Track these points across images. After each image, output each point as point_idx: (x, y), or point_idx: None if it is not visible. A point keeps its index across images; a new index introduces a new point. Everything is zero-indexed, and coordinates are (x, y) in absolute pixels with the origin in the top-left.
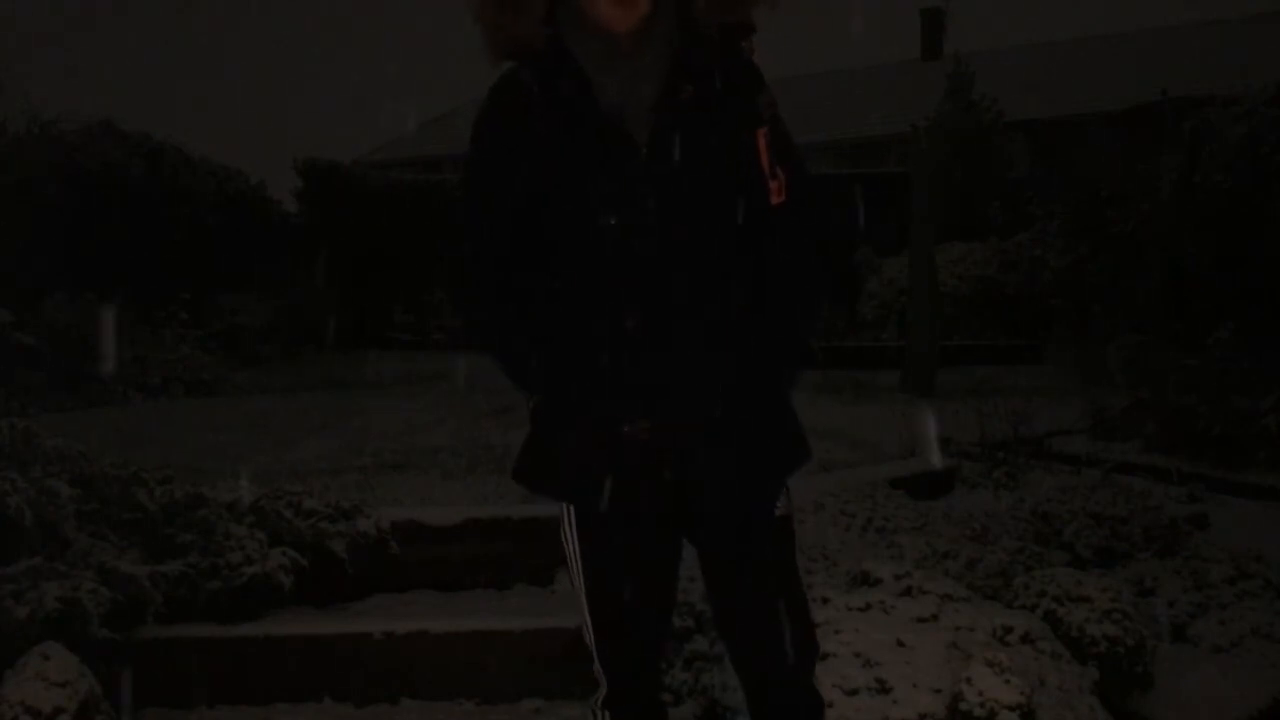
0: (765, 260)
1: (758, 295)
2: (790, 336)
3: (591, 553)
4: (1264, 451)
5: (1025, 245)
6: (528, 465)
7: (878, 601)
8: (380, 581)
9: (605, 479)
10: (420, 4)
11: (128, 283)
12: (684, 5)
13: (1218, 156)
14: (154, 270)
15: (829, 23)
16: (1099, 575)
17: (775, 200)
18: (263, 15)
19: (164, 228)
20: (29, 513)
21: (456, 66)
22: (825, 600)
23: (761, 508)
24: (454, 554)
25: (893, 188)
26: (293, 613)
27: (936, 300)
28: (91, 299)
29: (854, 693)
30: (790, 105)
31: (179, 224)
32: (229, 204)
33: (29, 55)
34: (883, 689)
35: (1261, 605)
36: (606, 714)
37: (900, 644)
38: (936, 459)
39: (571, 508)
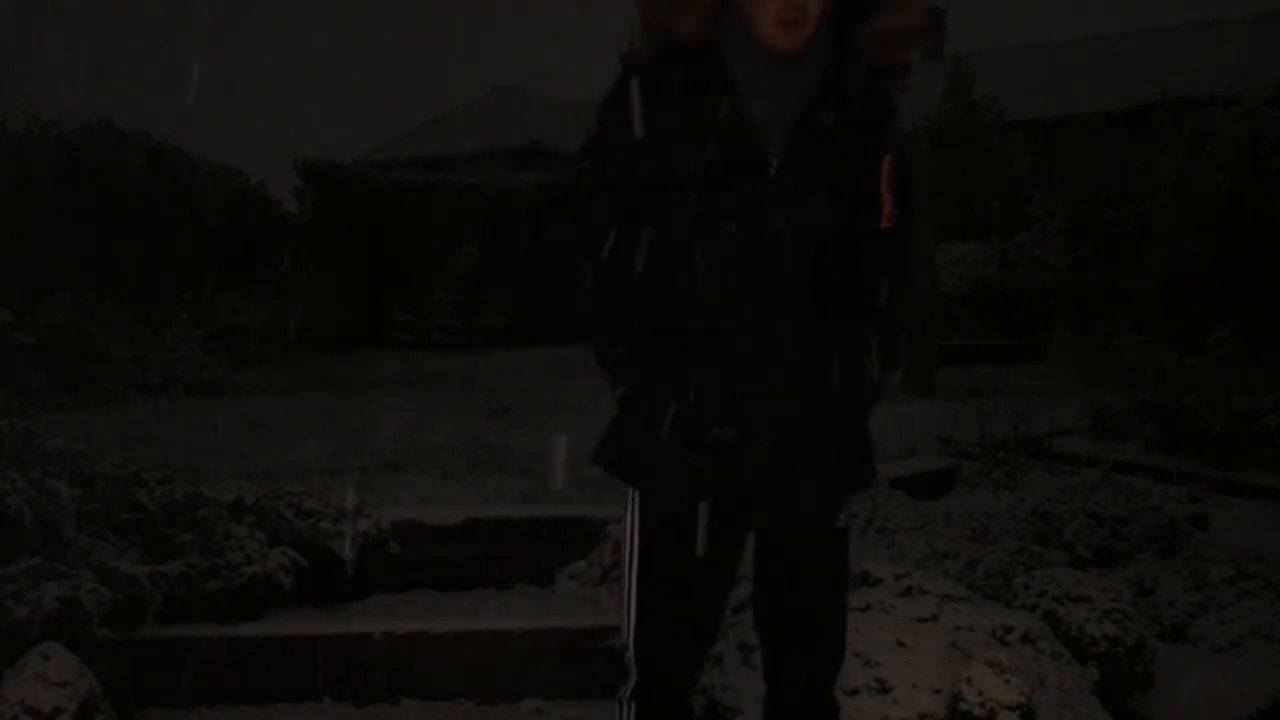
0: (865, 281)
1: (855, 316)
2: (881, 357)
3: (655, 545)
4: (1264, 451)
5: (1025, 245)
6: (611, 448)
7: (878, 601)
8: (380, 581)
9: (684, 475)
10: (420, 4)
11: (128, 283)
12: (841, 32)
13: (1218, 156)
14: (154, 270)
15: None
16: (1099, 575)
17: (885, 225)
18: (263, 15)
19: (164, 228)
20: (29, 513)
21: (457, 67)
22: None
23: (829, 521)
24: (454, 554)
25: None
26: (293, 613)
27: (936, 300)
28: (91, 299)
29: (854, 693)
30: None
31: (179, 224)
32: (229, 204)
33: (29, 55)
34: (883, 689)
35: (1261, 605)
36: (632, 706)
37: (900, 644)
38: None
39: (638, 496)
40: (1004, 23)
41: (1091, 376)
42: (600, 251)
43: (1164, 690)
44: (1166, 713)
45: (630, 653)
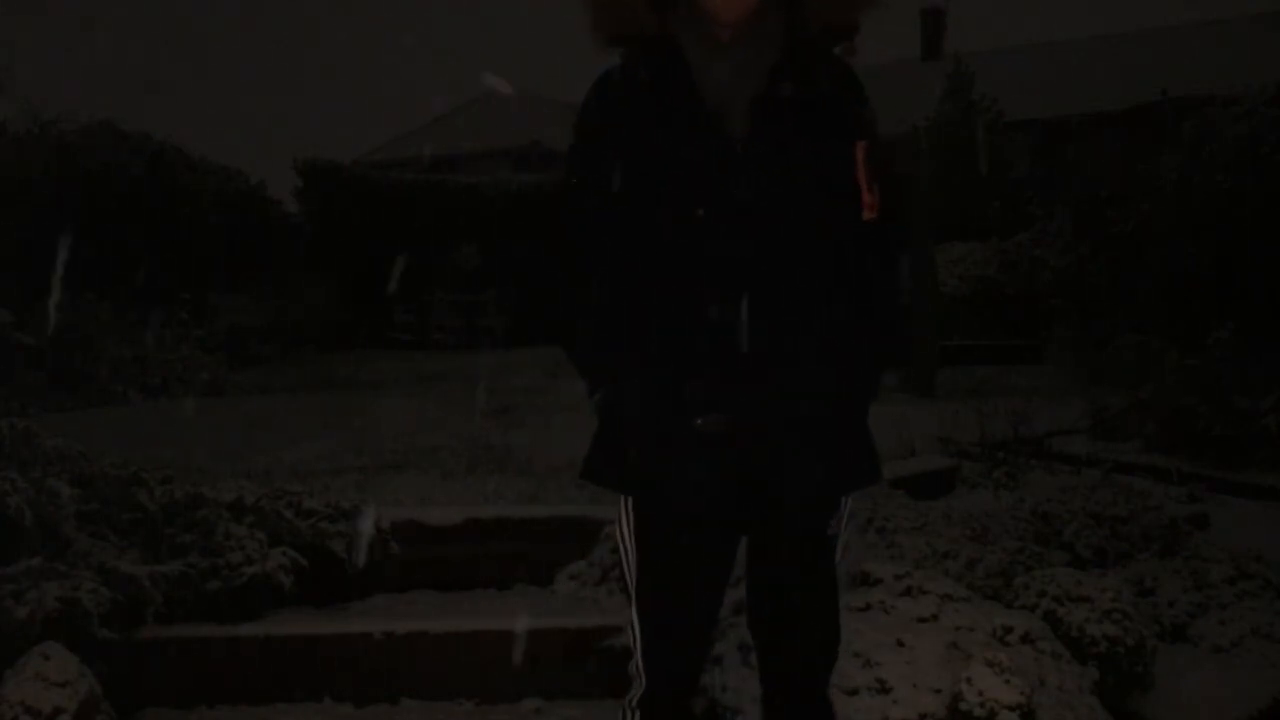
0: (853, 275)
1: (843, 308)
2: (871, 354)
3: (649, 548)
4: (1264, 451)
5: (1025, 245)
6: (597, 459)
7: (878, 601)
8: (380, 581)
9: (673, 473)
10: (421, 4)
11: (128, 283)
12: (793, 4)
13: (1218, 156)
14: (154, 270)
15: None
16: (1099, 575)
17: (867, 216)
18: (263, 15)
19: (164, 228)
20: (29, 513)
21: (457, 66)
22: (839, 605)
23: (825, 516)
24: (454, 554)
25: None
26: (293, 613)
27: (936, 300)
28: (91, 299)
29: (854, 693)
30: None
31: (179, 224)
32: (229, 204)
33: (29, 55)
34: (883, 689)
35: (1261, 605)
36: (638, 713)
37: (900, 644)
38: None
39: (630, 501)
40: (1004, 23)
41: (1091, 376)
42: (574, 254)
43: (1164, 690)
44: (1166, 713)
45: (637, 661)
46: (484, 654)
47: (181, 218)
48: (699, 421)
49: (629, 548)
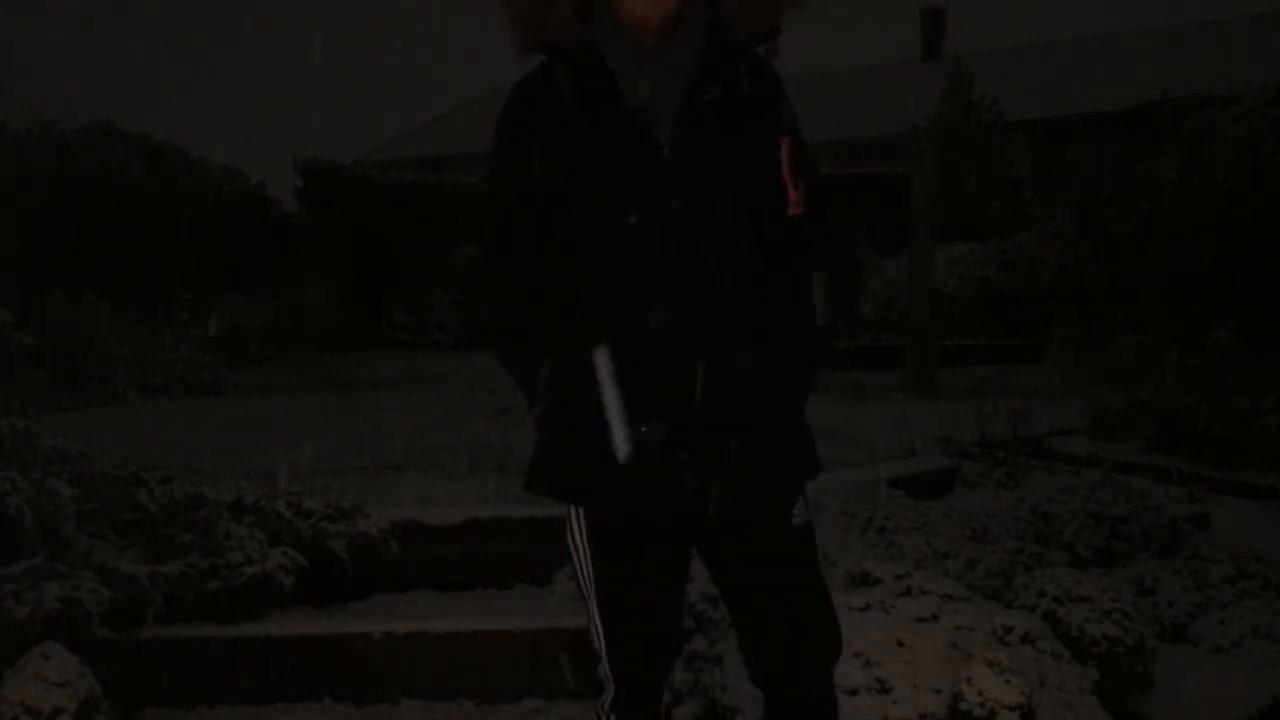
0: (782, 272)
1: (776, 304)
2: (804, 350)
3: (602, 557)
4: (1264, 451)
5: (1025, 245)
6: (539, 473)
7: (878, 601)
8: (380, 581)
9: (618, 482)
10: (421, 4)
11: (128, 283)
12: (713, 8)
13: (1218, 156)
14: (154, 270)
15: (829, 23)
16: (1099, 575)
17: (794, 211)
18: (263, 15)
19: (164, 228)
20: (29, 513)
21: (457, 67)
22: (827, 592)
23: (777, 515)
24: (454, 554)
25: (893, 188)
26: (293, 613)
27: (936, 300)
28: (91, 299)
29: (854, 693)
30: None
31: (179, 224)
32: (229, 204)
33: (29, 55)
34: (883, 689)
35: (1261, 605)
36: (613, 717)
37: (900, 644)
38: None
39: (581, 510)
40: (1004, 23)
41: (1091, 376)
42: (503, 266)
43: (1164, 690)
44: (1166, 713)
45: (604, 665)
46: (484, 654)
47: (181, 218)
48: (642, 429)
49: (583, 557)
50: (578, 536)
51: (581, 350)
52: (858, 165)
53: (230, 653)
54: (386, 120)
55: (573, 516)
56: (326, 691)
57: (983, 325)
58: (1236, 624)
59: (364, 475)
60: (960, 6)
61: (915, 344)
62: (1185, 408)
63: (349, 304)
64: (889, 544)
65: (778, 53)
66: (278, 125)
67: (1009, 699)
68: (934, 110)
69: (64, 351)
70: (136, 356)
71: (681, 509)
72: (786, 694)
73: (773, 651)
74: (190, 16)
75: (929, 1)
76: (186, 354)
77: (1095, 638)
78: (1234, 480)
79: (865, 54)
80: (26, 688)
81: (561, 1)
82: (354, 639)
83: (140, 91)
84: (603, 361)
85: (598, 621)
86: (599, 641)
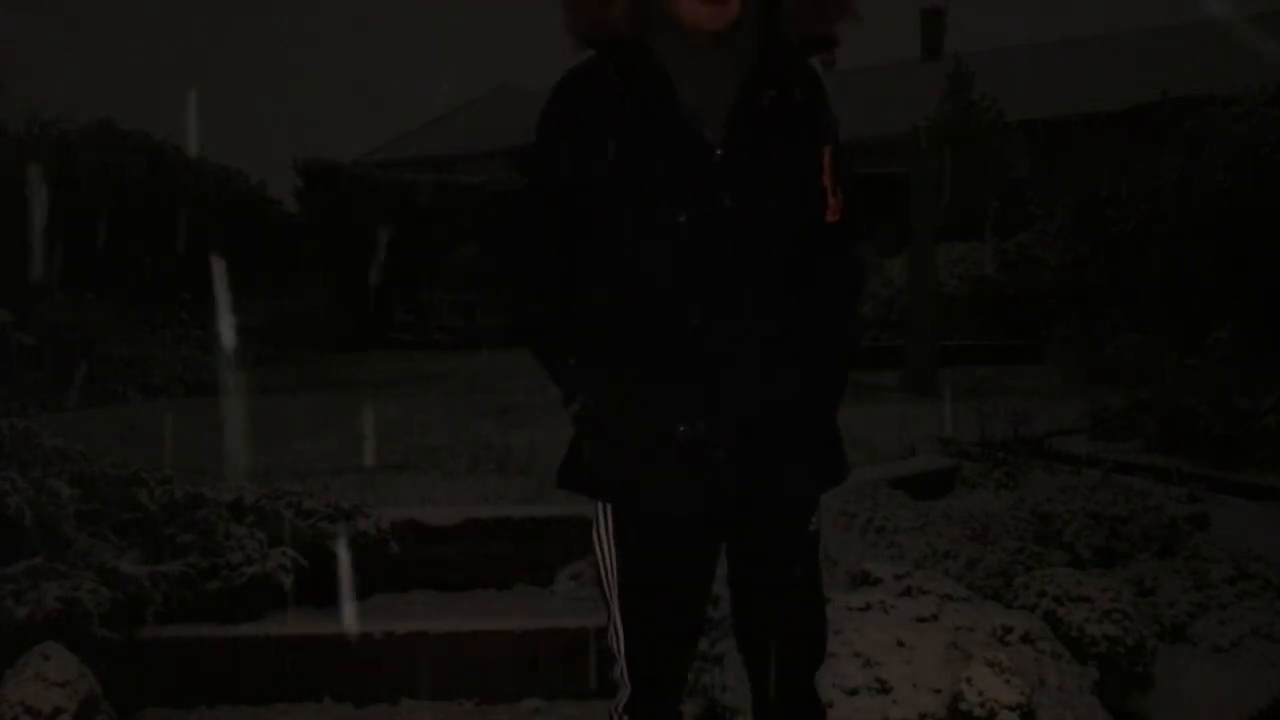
0: (817, 277)
1: (810, 309)
2: (835, 353)
3: (629, 555)
4: (1264, 451)
5: (1025, 245)
6: (574, 468)
7: (878, 601)
8: (380, 581)
9: (653, 480)
10: (421, 4)
11: (128, 283)
12: (768, 11)
13: (1218, 156)
14: (154, 270)
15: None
16: (1099, 575)
17: (831, 218)
18: (263, 15)
19: (164, 228)
20: (29, 513)
21: (457, 67)
22: (825, 600)
23: (803, 517)
24: (454, 554)
25: (893, 188)
26: (293, 613)
27: (937, 300)
28: (91, 299)
29: (854, 692)
30: None
31: (179, 224)
32: (229, 204)
33: (29, 55)
34: (883, 689)
35: (1261, 605)
36: (626, 718)
37: (900, 644)
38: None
39: (609, 508)
40: (1004, 23)
41: (1091, 376)
42: (542, 262)
43: (1164, 690)
44: (1166, 713)
45: (621, 667)
46: (484, 654)
47: (181, 217)
48: (680, 429)
49: (609, 554)
50: (604, 534)
51: (620, 347)
52: (858, 165)
53: (230, 653)
54: (386, 120)
55: (601, 513)
56: (326, 691)
57: (983, 325)
58: (1236, 624)
59: (364, 475)
60: (960, 6)
61: (915, 344)
62: (1185, 408)
63: (349, 304)
64: (889, 544)
65: (834, 62)
66: (278, 125)
67: (1009, 699)
68: (934, 110)
69: (64, 351)
70: (136, 356)
71: (715, 508)
72: (783, 694)
73: (775, 652)
74: (190, 16)
75: (929, 1)
76: (186, 354)
77: (1095, 638)
78: (1234, 480)
79: (865, 54)
80: (26, 688)
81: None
82: (354, 639)
83: (140, 91)
84: (641, 359)
85: (618, 621)
86: (617, 642)
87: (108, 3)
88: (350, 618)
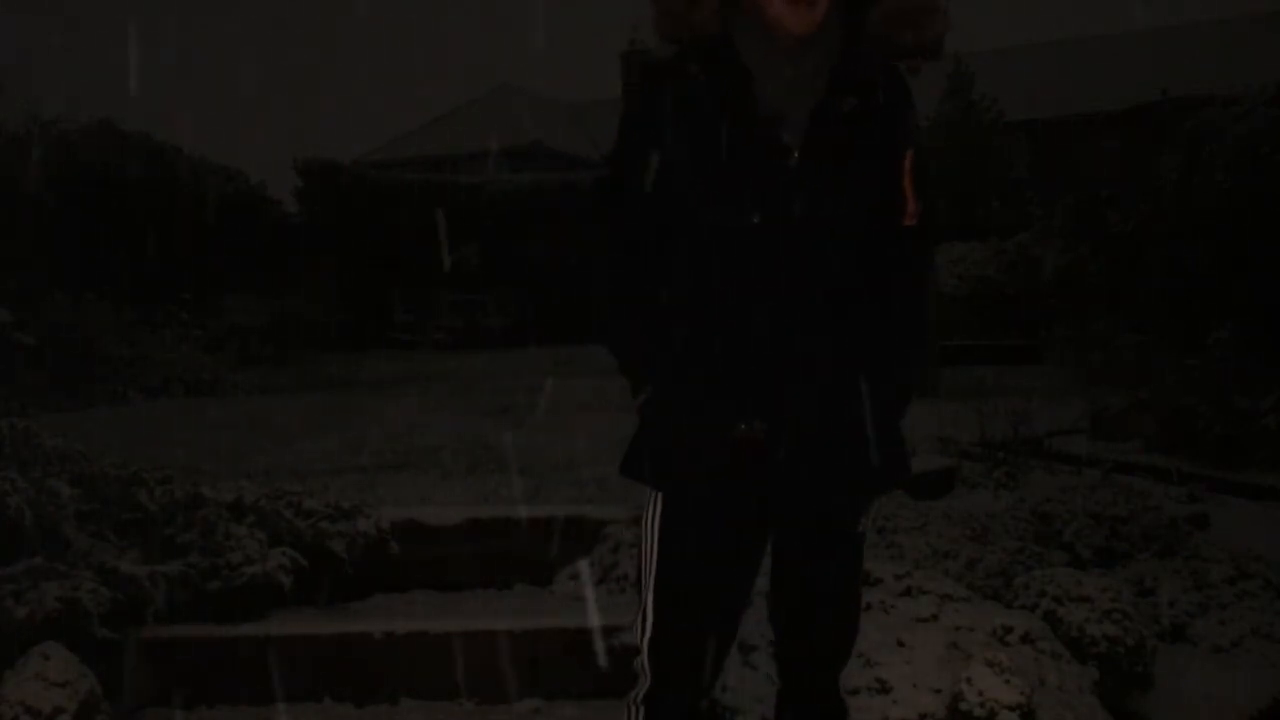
0: (891, 280)
1: (881, 313)
2: (908, 356)
3: (672, 546)
4: (1264, 451)
5: (1025, 245)
6: (636, 458)
7: (878, 601)
8: (380, 581)
9: (711, 475)
10: (421, 4)
11: (128, 283)
12: (853, 15)
13: (1218, 156)
14: (154, 270)
15: None
16: (1099, 575)
17: (909, 223)
18: (263, 15)
19: (164, 228)
20: (29, 513)
21: (457, 67)
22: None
23: (853, 519)
24: (454, 554)
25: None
26: (293, 613)
27: (937, 300)
28: (91, 299)
29: (854, 692)
30: None
31: (179, 224)
32: (229, 204)
33: (29, 55)
34: (883, 689)
35: (1261, 605)
36: (642, 710)
37: (900, 644)
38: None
39: (660, 497)
40: (1004, 23)
41: (1091, 376)
42: (622, 257)
43: (1164, 690)
44: (1166, 713)
45: (643, 658)
46: (484, 654)
47: (181, 217)
48: (741, 427)
49: (651, 542)
50: (652, 523)
51: (687, 344)
52: None
53: (230, 653)
54: (386, 120)
55: (652, 503)
56: (326, 691)
57: (983, 325)
58: (1236, 624)
59: (364, 475)
60: (960, 6)
61: None
62: (1185, 408)
63: (349, 304)
64: (889, 544)
65: (920, 69)
66: (278, 125)
67: (1009, 699)
68: (934, 110)
69: (64, 351)
70: (136, 356)
71: (773, 508)
72: (811, 692)
73: (810, 650)
74: (190, 16)
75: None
76: (186, 354)
77: (1095, 638)
78: (1234, 480)
79: None
80: (27, 688)
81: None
82: (354, 639)
83: (140, 91)
84: (706, 357)
85: (649, 608)
86: (643, 629)
87: (108, 3)
88: (350, 618)
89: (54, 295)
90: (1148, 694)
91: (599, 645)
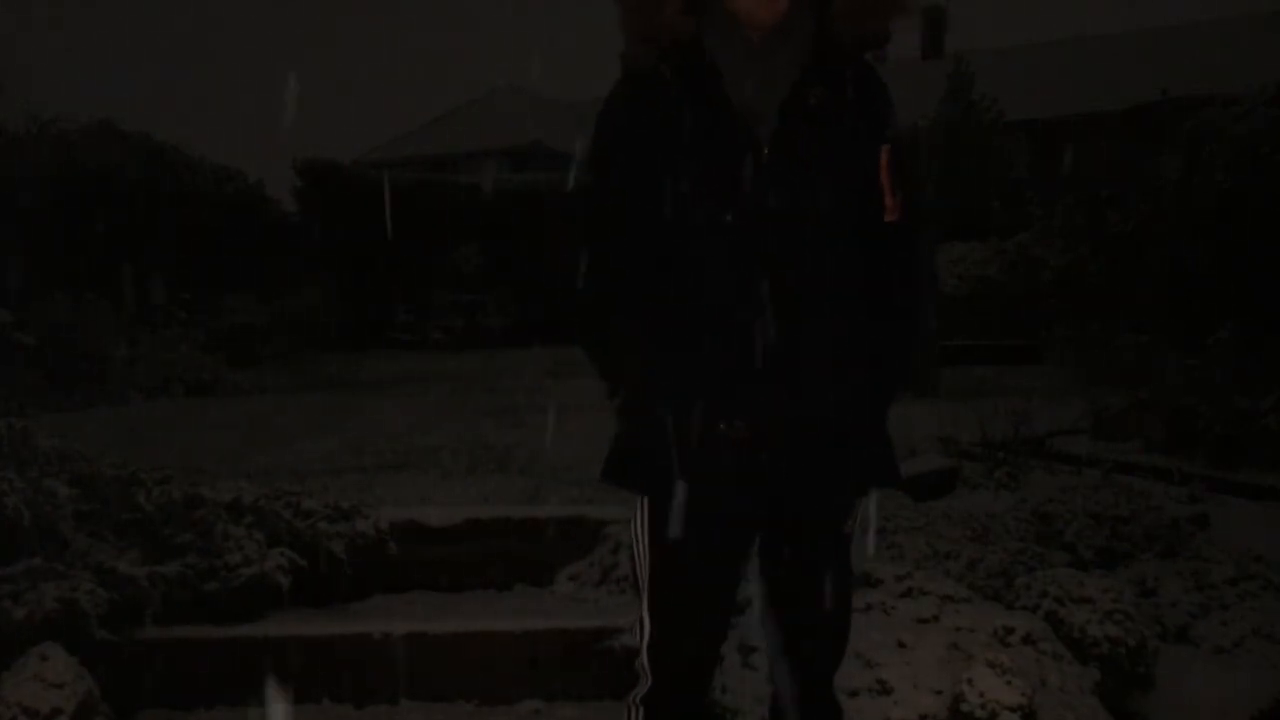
0: (876, 277)
1: (866, 310)
2: (894, 356)
3: (662, 549)
4: (1264, 451)
5: (1025, 245)
6: (616, 463)
7: (879, 602)
8: (379, 582)
9: (690, 477)
10: (422, 5)
11: (128, 283)
12: (821, 10)
13: (1218, 156)
14: (154, 270)
15: None
16: (1100, 576)
17: (890, 218)
18: (263, 15)
19: (163, 228)
20: (27, 513)
21: (457, 67)
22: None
23: (839, 520)
24: (454, 554)
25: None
26: (292, 613)
27: (937, 300)
28: (91, 299)
29: (855, 694)
30: None
31: (178, 224)
32: (228, 204)
33: (29, 55)
34: (884, 690)
35: (1263, 605)
36: (642, 710)
37: (901, 645)
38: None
39: (647, 500)
40: (1004, 23)
41: (1091, 376)
42: (598, 258)
43: (1165, 691)
44: (1168, 714)
45: (643, 659)
46: (483, 655)
47: (181, 218)
48: (722, 426)
49: (643, 547)
50: (640, 527)
51: (665, 344)
52: None
53: (229, 654)
54: (386, 120)
55: (640, 504)
56: (325, 692)
57: (983, 325)
58: (1238, 624)
59: (363, 475)
60: (960, 6)
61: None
62: (1185, 408)
63: (349, 304)
64: (890, 544)
65: (884, 58)
66: (278, 125)
67: (1010, 700)
68: (934, 110)
69: (64, 351)
70: (136, 356)
71: (758, 508)
72: (805, 693)
73: (801, 651)
74: (190, 16)
75: (929, 1)
76: (186, 354)
77: (1097, 638)
78: (1234, 480)
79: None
80: (25, 689)
81: None
82: (353, 639)
83: (140, 91)
84: (685, 356)
85: (647, 611)
86: (643, 631)
87: (108, 3)
88: (350, 618)
89: (54, 295)
90: (1149, 695)
91: (599, 646)
